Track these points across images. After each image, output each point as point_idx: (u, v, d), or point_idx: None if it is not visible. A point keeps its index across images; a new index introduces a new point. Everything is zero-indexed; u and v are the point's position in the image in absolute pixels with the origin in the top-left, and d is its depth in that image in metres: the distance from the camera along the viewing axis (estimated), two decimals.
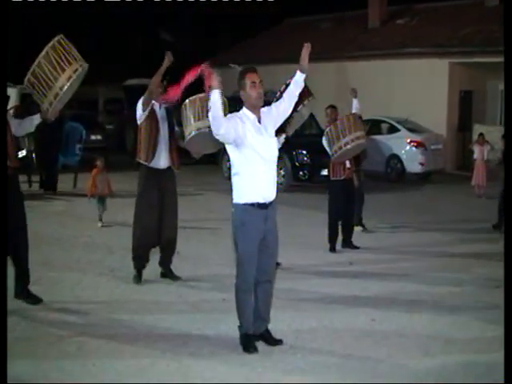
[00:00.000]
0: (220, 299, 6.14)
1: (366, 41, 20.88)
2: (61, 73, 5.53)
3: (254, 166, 4.79)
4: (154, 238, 6.78)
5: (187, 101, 6.56)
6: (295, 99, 5.08)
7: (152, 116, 6.65)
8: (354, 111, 8.82)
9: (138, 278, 6.74)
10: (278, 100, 5.36)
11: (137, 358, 4.77)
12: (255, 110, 4.87)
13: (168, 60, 6.41)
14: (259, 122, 4.87)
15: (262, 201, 4.84)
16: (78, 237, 9.01)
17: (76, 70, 5.60)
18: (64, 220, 10.37)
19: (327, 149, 8.47)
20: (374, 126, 17.36)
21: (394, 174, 16.63)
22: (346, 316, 5.83)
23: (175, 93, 6.21)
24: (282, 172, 14.32)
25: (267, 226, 4.89)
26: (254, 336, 5.00)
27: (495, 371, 4.62)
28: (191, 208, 10.92)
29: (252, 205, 4.81)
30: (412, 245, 9.06)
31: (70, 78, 5.57)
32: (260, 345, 4.98)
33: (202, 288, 6.64)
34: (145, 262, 6.86)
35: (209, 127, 6.29)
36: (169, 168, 6.76)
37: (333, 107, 8.80)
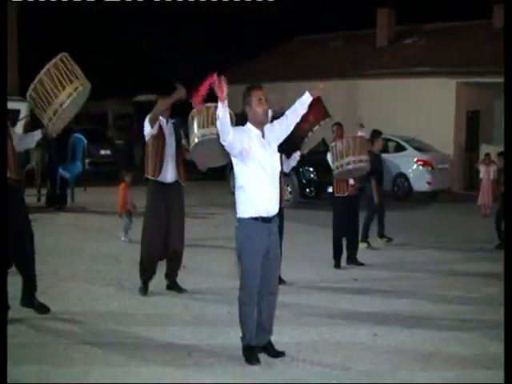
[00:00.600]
0: (225, 312, 6.23)
1: (374, 60, 21.07)
2: (61, 90, 5.64)
3: (259, 180, 4.90)
4: (161, 251, 6.88)
5: (194, 111, 6.71)
6: (298, 118, 5.14)
7: (159, 131, 6.79)
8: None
9: (144, 290, 6.84)
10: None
11: (141, 367, 4.86)
12: (260, 125, 4.98)
13: (179, 94, 6.57)
14: (263, 137, 4.99)
15: (265, 215, 4.94)
16: (85, 248, 9.14)
17: (76, 88, 5.71)
18: (72, 232, 10.52)
19: (331, 164, 8.58)
20: None
21: (400, 193, 16.71)
22: (347, 330, 5.90)
23: (197, 101, 6.29)
24: (289, 189, 14.44)
25: (270, 240, 5.00)
26: (257, 347, 5.08)
27: None
28: (198, 222, 11.05)
29: (256, 219, 4.91)
30: (416, 262, 9.13)
31: (70, 95, 5.67)
32: (262, 356, 5.06)
33: (207, 300, 6.74)
34: (151, 274, 6.95)
35: (213, 134, 6.49)
36: (176, 182, 6.89)
37: (339, 124, 8.96)
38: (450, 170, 17.28)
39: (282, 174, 7.55)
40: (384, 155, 16.93)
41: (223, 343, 5.39)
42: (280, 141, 5.17)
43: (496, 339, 5.68)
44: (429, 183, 16.30)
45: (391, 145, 17.40)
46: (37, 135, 6.06)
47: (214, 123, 6.57)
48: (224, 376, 4.74)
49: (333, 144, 8.53)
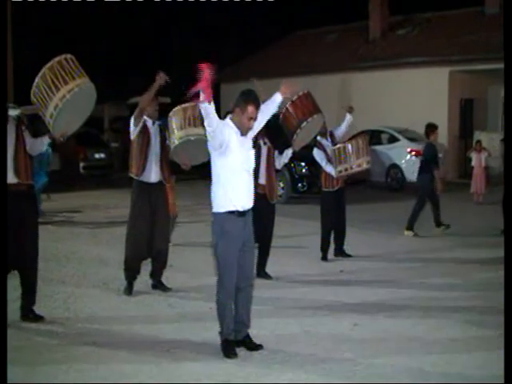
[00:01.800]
0: (207, 308, 6.24)
1: (367, 52, 21.09)
2: (63, 85, 5.56)
3: (236, 174, 4.96)
4: (145, 250, 6.90)
5: (171, 112, 6.71)
6: (268, 117, 5.27)
7: (144, 131, 6.79)
8: (345, 124, 8.91)
9: (129, 290, 6.87)
10: None
11: (120, 363, 4.90)
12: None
13: (160, 80, 6.48)
14: (242, 134, 5.04)
15: (241, 209, 4.99)
16: (74, 252, 9.16)
17: (71, 89, 5.57)
18: (62, 236, 10.54)
19: (319, 160, 8.60)
20: (374, 137, 17.51)
21: (394, 184, 16.73)
22: (329, 322, 5.93)
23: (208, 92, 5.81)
24: (282, 184, 14.47)
25: (246, 232, 5.06)
26: (235, 341, 5.11)
27: (471, 371, 4.72)
28: (185, 221, 11.05)
29: (232, 213, 4.96)
30: (407, 252, 9.16)
31: (63, 97, 5.58)
32: (241, 350, 5.09)
33: (191, 298, 6.77)
34: (136, 273, 6.97)
35: (191, 135, 6.50)
36: (160, 182, 6.90)
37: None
38: (444, 159, 17.22)
39: (275, 171, 7.61)
40: (377, 147, 17.10)
41: (203, 339, 5.43)
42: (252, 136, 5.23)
43: (480, 325, 5.75)
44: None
45: (384, 136, 17.43)
46: (45, 139, 5.96)
47: (191, 124, 6.63)
48: (201, 371, 4.77)
49: (336, 147, 8.51)
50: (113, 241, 9.85)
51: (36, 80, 5.68)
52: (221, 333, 5.08)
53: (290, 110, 7.56)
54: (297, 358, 4.98)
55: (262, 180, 7.41)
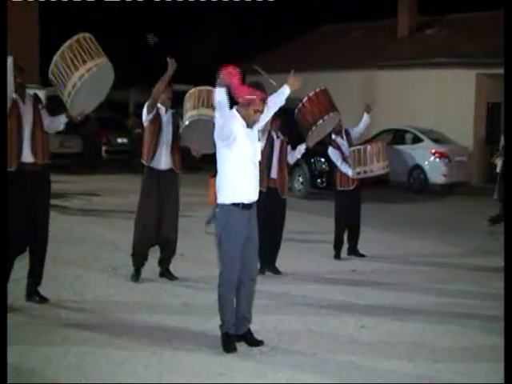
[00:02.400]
0: (213, 299, 6.11)
1: (394, 50, 20.81)
2: (82, 64, 5.53)
3: (242, 167, 4.87)
4: (153, 237, 6.85)
5: (187, 94, 6.62)
6: (275, 109, 5.18)
7: (156, 118, 6.74)
8: (362, 125, 8.76)
9: (136, 277, 6.84)
10: None
11: (118, 350, 4.85)
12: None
13: (171, 67, 6.41)
14: (248, 126, 4.94)
15: (246, 202, 4.90)
16: (88, 235, 9.17)
17: (90, 68, 5.54)
18: (79, 219, 10.58)
19: (334, 160, 8.49)
20: (397, 136, 17.29)
21: (416, 185, 16.50)
22: (334, 321, 5.82)
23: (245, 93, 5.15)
24: (301, 179, 14.36)
25: (251, 226, 4.97)
26: (236, 336, 5.03)
27: (478, 381, 4.59)
28: (197, 211, 10.97)
29: (237, 205, 4.87)
30: (420, 255, 8.98)
31: (82, 76, 5.54)
32: (241, 345, 5.01)
33: (198, 288, 6.70)
34: (143, 260, 6.92)
35: (204, 115, 6.41)
36: (170, 169, 6.84)
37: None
38: (468, 162, 16.97)
39: (287, 165, 7.50)
40: (400, 147, 16.87)
41: (205, 331, 5.36)
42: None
43: (491, 333, 5.59)
44: (445, 176, 16.04)
45: (408, 136, 17.17)
46: (62, 118, 5.95)
47: (204, 105, 6.55)
48: (198, 363, 4.70)
49: (355, 148, 8.38)
50: (128, 226, 9.62)
51: (54, 58, 5.63)
52: (221, 326, 5.00)
53: (307, 105, 7.43)
54: (297, 357, 4.88)
55: (274, 174, 7.30)
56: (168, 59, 6.38)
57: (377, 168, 8.34)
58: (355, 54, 21.70)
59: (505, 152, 4.91)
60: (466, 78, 18.26)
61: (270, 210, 7.16)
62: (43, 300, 5.94)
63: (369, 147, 8.34)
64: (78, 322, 5.46)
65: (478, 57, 18.05)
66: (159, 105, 6.72)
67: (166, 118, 6.80)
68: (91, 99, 5.91)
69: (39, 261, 5.98)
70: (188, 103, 6.53)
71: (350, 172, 8.37)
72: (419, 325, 5.84)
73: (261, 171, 7.12)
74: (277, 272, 7.42)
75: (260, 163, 7.13)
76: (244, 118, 4.91)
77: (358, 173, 8.33)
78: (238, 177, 4.87)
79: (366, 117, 8.67)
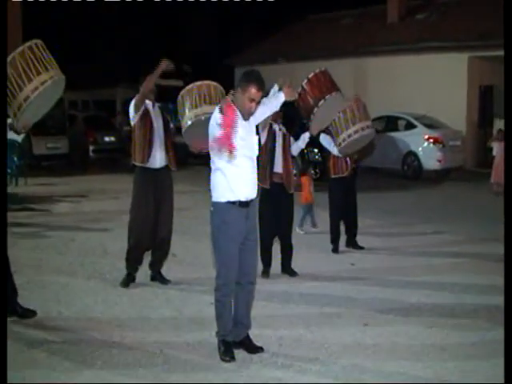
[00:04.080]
0: (207, 303, 5.84)
1: (384, 36, 20.49)
2: (27, 83, 5.18)
3: (238, 163, 4.55)
4: (149, 240, 6.55)
5: (184, 91, 6.31)
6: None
7: (146, 115, 6.44)
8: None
9: (126, 282, 6.51)
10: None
11: (106, 364, 4.52)
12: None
13: (163, 65, 6.14)
14: (244, 119, 4.62)
15: (243, 199, 4.58)
16: (74, 239, 8.81)
17: (45, 81, 5.23)
18: (64, 222, 10.19)
19: (327, 145, 8.15)
20: (390, 123, 17.02)
21: (410, 172, 16.23)
22: (336, 321, 5.52)
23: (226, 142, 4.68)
24: (294, 171, 14.01)
25: (248, 225, 4.65)
26: (234, 343, 4.72)
27: (491, 381, 4.29)
28: (192, 210, 10.65)
29: (233, 203, 4.56)
30: (421, 246, 8.67)
31: (36, 89, 5.21)
32: (240, 352, 4.70)
33: (191, 291, 6.37)
34: (138, 264, 6.63)
35: (206, 113, 6.09)
36: (165, 167, 6.52)
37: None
38: (462, 147, 16.70)
39: (291, 158, 7.14)
40: (393, 133, 16.58)
41: (200, 339, 5.03)
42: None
43: (498, 326, 5.25)
44: (440, 161, 15.76)
45: (401, 123, 16.89)
46: (9, 134, 5.48)
47: (205, 101, 6.21)
48: (195, 375, 4.39)
49: (332, 121, 8.00)
50: (117, 228, 9.46)
51: None
52: (218, 333, 4.69)
53: (307, 88, 7.01)
54: (300, 363, 4.57)
55: (279, 168, 6.94)
56: (163, 60, 6.12)
57: (354, 131, 7.78)
58: (345, 42, 21.39)
59: (505, 150, 4.61)
60: (458, 62, 17.96)
61: (275, 207, 6.85)
62: (29, 313, 5.56)
63: (341, 114, 7.83)
64: (60, 337, 5.07)
65: (470, 40, 17.73)
66: (146, 100, 6.41)
67: (155, 113, 6.49)
68: (39, 111, 5.57)
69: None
70: (187, 100, 6.18)
71: (335, 150, 8.02)
72: (425, 321, 5.54)
73: (263, 167, 6.92)
74: (293, 274, 7.07)
75: (262, 158, 6.91)
76: (239, 108, 4.58)
77: (339, 144, 7.90)
78: (234, 173, 4.55)
79: None
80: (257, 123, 4.85)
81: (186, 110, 6.19)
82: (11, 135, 5.64)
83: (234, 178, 4.55)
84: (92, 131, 19.13)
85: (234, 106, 4.58)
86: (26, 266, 7.20)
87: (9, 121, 5.53)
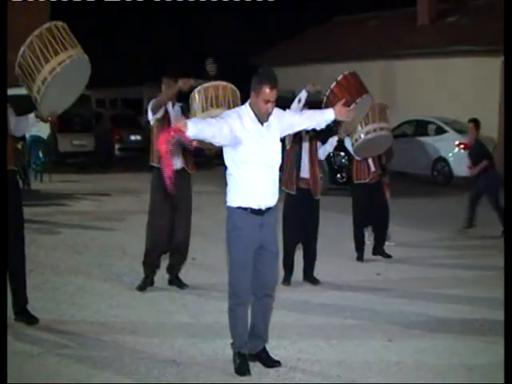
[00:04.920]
0: (225, 310, 5.62)
1: (414, 39, 20.11)
2: (44, 64, 4.95)
3: (250, 169, 4.32)
4: (165, 244, 6.38)
5: (195, 91, 6.12)
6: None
7: (165, 116, 6.26)
8: None
9: (143, 286, 6.33)
10: (300, 110, 4.97)
11: (116, 375, 4.33)
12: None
13: (182, 85, 5.93)
14: (262, 123, 4.38)
15: (255, 207, 4.35)
16: (94, 238, 8.68)
17: (62, 61, 4.98)
18: (85, 221, 10.07)
19: (349, 149, 7.88)
20: (420, 127, 16.70)
21: (440, 178, 15.88)
22: (359, 334, 5.26)
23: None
24: (320, 174, 13.74)
25: (263, 234, 4.40)
26: (250, 355, 4.50)
27: None
28: (212, 213, 10.43)
29: (245, 209, 4.34)
30: (450, 257, 8.34)
31: (53, 69, 4.96)
32: (256, 366, 4.48)
33: (209, 297, 6.17)
34: (155, 268, 6.47)
35: (214, 116, 5.87)
36: (182, 169, 6.33)
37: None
38: (493, 153, 16.23)
39: (318, 163, 6.89)
40: (423, 138, 16.24)
41: (214, 349, 4.81)
42: (284, 134, 4.59)
43: None
44: (470, 168, 15.32)
45: (431, 127, 16.54)
46: (31, 118, 5.34)
47: (214, 105, 6.01)
48: None
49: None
50: (138, 228, 9.16)
51: (22, 49, 5.00)
52: (233, 344, 4.47)
53: (336, 91, 6.70)
54: (318, 380, 4.34)
55: (305, 173, 6.71)
56: (183, 80, 5.90)
57: (365, 132, 7.46)
58: (373, 44, 21.04)
59: (505, 152, 4.32)
60: (491, 66, 17.49)
61: (301, 213, 6.63)
62: (31, 319, 5.32)
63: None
64: (70, 344, 4.89)
65: (503, 44, 17.28)
66: None
67: (174, 113, 6.30)
68: (64, 97, 5.32)
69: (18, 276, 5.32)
70: (195, 103, 5.99)
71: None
72: (452, 338, 5.26)
73: (289, 172, 6.70)
74: (315, 282, 6.83)
75: (287, 163, 6.68)
76: (255, 112, 4.36)
77: (353, 144, 7.63)
78: (246, 180, 4.33)
79: None
80: (293, 132, 4.66)
81: (195, 114, 6.01)
82: (34, 131, 5.51)
83: (246, 184, 4.34)
84: (118, 129, 19.11)
85: None
86: (43, 266, 7.10)
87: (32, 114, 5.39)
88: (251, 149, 4.28)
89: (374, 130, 7.46)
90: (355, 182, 7.95)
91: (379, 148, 7.76)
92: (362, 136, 7.48)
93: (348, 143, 7.82)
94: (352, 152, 7.78)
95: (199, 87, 5.99)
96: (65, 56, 5.00)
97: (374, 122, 7.46)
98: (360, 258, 7.88)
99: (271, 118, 4.43)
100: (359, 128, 7.47)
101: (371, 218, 8.01)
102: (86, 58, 5.25)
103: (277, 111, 4.47)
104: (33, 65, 4.98)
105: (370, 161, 7.86)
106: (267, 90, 4.27)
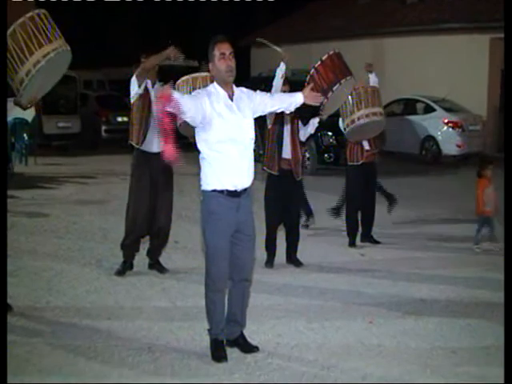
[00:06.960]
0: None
1: (403, 16, 19.87)
2: (28, 56, 4.93)
3: (224, 148, 4.18)
4: (145, 227, 6.24)
5: (179, 81, 6.00)
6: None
7: (145, 95, 6.10)
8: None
9: (122, 270, 6.21)
10: (269, 91, 4.92)
11: (89, 362, 4.22)
12: (226, 85, 4.24)
13: (170, 52, 5.77)
14: (231, 99, 4.23)
15: (231, 188, 4.22)
16: (76, 222, 8.53)
17: (47, 54, 4.97)
18: (68, 205, 9.90)
19: (343, 131, 7.71)
20: (408, 106, 16.54)
21: (429, 157, 15.76)
22: (340, 317, 5.17)
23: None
24: (307, 154, 13.61)
25: (240, 217, 4.27)
26: (228, 341, 4.40)
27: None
28: (196, 196, 10.25)
29: (221, 192, 4.20)
30: (437, 237, 8.21)
31: (38, 62, 4.95)
32: (234, 351, 4.38)
33: (190, 281, 6.03)
34: (134, 251, 6.33)
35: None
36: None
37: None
38: (482, 131, 16.16)
39: (300, 143, 6.75)
40: (411, 117, 16.09)
41: (192, 335, 4.71)
42: (256, 114, 4.43)
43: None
44: (459, 146, 15.26)
45: (419, 106, 16.38)
46: (9, 101, 5.19)
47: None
48: (183, 375, 4.07)
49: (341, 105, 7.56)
50: (121, 211, 9.03)
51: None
52: (209, 331, 4.36)
53: (320, 70, 6.56)
54: (296, 365, 4.24)
55: (287, 154, 6.57)
56: (173, 49, 5.75)
57: (358, 117, 7.28)
58: (362, 22, 20.79)
59: (505, 152, 4.20)
60: (479, 44, 17.31)
61: (283, 194, 6.51)
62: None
63: (349, 97, 7.31)
64: (43, 331, 4.78)
65: (492, 21, 17.07)
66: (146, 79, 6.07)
67: (154, 92, 6.13)
68: (44, 84, 5.28)
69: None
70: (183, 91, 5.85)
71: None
72: (435, 319, 5.17)
73: (271, 152, 6.56)
74: (298, 264, 6.71)
75: (269, 143, 6.55)
76: (219, 80, 4.21)
77: (345, 128, 7.46)
78: (219, 160, 4.19)
79: (372, 76, 7.75)
80: (263, 114, 4.52)
81: None
82: (18, 114, 5.40)
83: (219, 165, 4.19)
84: (104, 111, 18.86)
85: None
86: (21, 251, 6.95)
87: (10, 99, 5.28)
88: (223, 126, 4.14)
89: (367, 116, 7.28)
90: (349, 163, 7.73)
91: (371, 133, 7.59)
92: (356, 121, 7.33)
93: (341, 126, 7.65)
94: (344, 131, 7.61)
95: (187, 76, 5.87)
96: (49, 48, 4.99)
97: (366, 107, 7.29)
98: (352, 244, 7.62)
99: (241, 94, 4.31)
100: (351, 112, 7.31)
101: (363, 203, 7.77)
102: (68, 49, 5.23)
103: (247, 90, 4.38)
104: (16, 56, 4.92)
105: (365, 141, 7.66)
106: (220, 45, 4.16)
